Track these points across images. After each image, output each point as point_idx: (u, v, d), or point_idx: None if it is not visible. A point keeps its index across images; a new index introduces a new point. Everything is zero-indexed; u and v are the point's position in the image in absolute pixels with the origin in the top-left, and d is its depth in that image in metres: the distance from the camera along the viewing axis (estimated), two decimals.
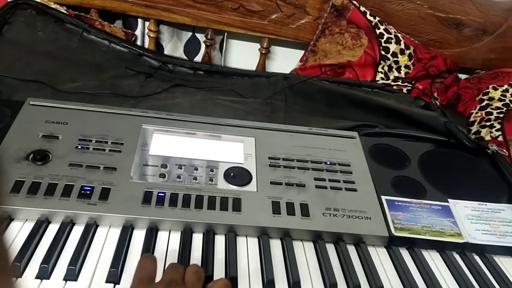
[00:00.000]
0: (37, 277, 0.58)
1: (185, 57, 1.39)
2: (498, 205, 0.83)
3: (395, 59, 1.30)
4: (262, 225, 0.71)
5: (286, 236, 0.72)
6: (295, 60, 1.38)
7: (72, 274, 0.59)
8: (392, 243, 0.74)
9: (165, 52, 1.37)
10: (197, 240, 0.69)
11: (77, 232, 0.66)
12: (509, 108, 1.18)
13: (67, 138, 0.76)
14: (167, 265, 0.63)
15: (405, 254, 0.74)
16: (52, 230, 0.65)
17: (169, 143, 0.81)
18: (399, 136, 0.97)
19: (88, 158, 0.74)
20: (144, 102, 1.02)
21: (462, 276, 0.71)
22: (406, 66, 1.32)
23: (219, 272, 0.64)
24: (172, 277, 0.54)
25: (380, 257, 0.72)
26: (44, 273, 0.58)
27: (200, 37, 1.38)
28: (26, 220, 0.66)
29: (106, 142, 0.77)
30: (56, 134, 0.77)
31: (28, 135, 0.75)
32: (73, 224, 0.67)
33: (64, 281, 0.58)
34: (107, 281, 0.59)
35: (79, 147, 0.75)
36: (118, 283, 0.59)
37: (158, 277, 0.56)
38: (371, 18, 1.29)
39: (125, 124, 0.82)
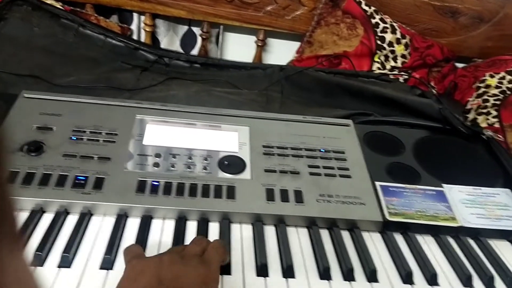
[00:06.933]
0: (31, 265, 0.59)
1: (181, 51, 1.40)
2: (493, 189, 0.82)
3: (392, 48, 1.30)
4: (256, 211, 0.71)
5: (280, 223, 0.72)
6: (292, 52, 1.38)
7: (66, 261, 0.59)
8: (386, 228, 0.74)
9: (162, 46, 1.37)
10: (191, 227, 0.69)
11: (71, 221, 0.66)
12: (506, 95, 1.18)
13: (61, 129, 0.77)
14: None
15: (399, 238, 0.74)
16: (46, 219, 0.66)
17: (163, 133, 0.81)
18: (394, 123, 0.97)
19: (82, 149, 0.74)
20: (139, 95, 1.02)
21: (457, 259, 0.71)
22: (403, 56, 1.32)
23: None
24: (191, 248, 0.54)
25: (374, 242, 0.73)
26: (38, 261, 0.59)
27: (196, 30, 1.38)
28: (21, 210, 0.67)
29: (100, 133, 0.78)
30: (50, 125, 0.77)
31: (23, 127, 0.76)
32: (68, 213, 0.68)
33: (58, 268, 0.59)
34: (101, 268, 0.60)
35: (73, 138, 0.76)
36: (112, 269, 0.60)
37: None
38: (366, 8, 1.28)
39: (119, 115, 0.82)
